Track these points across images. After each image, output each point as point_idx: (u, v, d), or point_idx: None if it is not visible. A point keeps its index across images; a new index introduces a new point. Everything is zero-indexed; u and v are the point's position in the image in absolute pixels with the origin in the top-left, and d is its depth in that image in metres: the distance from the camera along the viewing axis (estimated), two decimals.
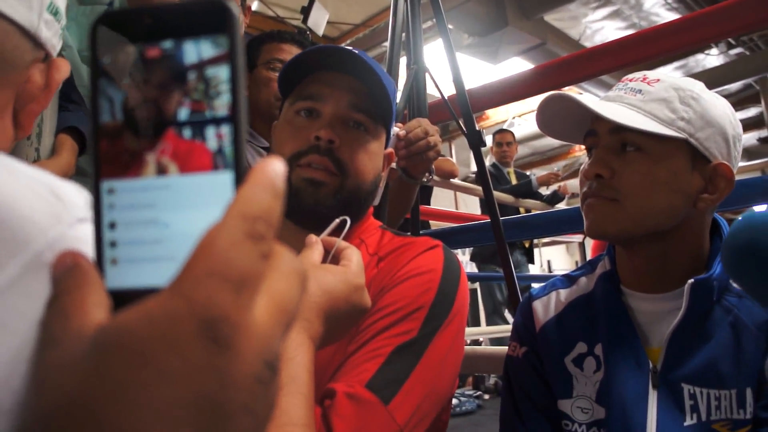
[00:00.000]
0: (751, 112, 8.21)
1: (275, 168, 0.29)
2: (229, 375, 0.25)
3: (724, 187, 0.90)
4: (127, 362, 0.24)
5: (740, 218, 0.68)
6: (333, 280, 0.69)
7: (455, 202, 7.93)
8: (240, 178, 0.30)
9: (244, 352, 0.25)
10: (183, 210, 0.30)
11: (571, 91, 6.95)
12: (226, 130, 0.30)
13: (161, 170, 0.30)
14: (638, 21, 5.71)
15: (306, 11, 3.19)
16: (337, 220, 0.82)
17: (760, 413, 0.80)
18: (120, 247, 0.31)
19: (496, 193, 3.80)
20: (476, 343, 4.92)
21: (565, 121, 0.99)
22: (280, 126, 1.00)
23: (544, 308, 1.03)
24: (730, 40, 5.98)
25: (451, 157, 7.60)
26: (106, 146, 0.31)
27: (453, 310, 0.86)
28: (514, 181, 5.03)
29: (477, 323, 6.54)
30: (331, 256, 0.74)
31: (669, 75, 0.95)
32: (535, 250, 5.24)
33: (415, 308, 0.82)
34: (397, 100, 1.73)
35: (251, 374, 0.25)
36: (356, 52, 0.95)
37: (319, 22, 3.23)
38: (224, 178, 0.30)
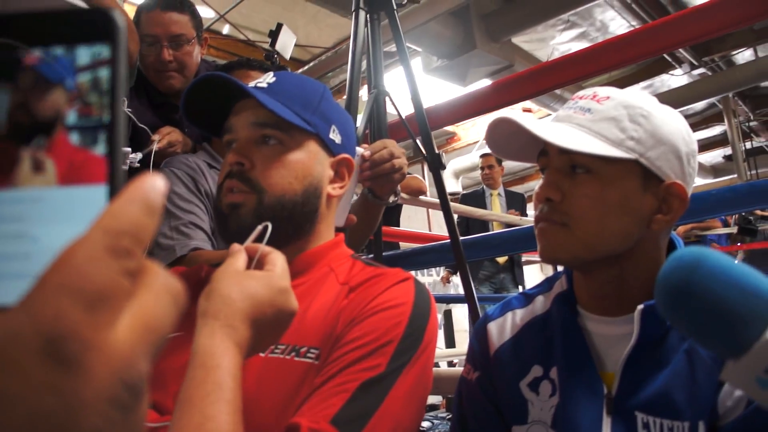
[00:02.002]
0: (716, 130, 8.38)
1: (152, 183, 0.28)
2: (76, 396, 0.23)
3: (677, 207, 0.87)
4: None
5: (669, 260, 0.67)
6: (256, 285, 0.69)
7: (428, 222, 7.95)
8: (114, 192, 0.29)
9: (96, 372, 0.24)
10: (54, 224, 0.29)
11: (529, 106, 7.03)
12: (104, 140, 0.29)
13: (33, 181, 0.29)
14: None
15: (274, 35, 3.19)
16: (260, 227, 0.80)
17: None
18: None
19: (464, 208, 3.81)
20: (451, 365, 4.90)
21: (518, 141, 0.95)
22: None
23: (499, 331, 1.01)
24: (692, 60, 6.11)
25: (423, 178, 7.63)
26: None
27: (422, 345, 0.85)
28: (497, 204, 5.10)
29: (452, 344, 6.51)
30: (255, 262, 0.74)
31: (621, 92, 0.91)
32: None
33: (384, 342, 0.82)
34: (358, 123, 1.74)
35: (105, 396, 0.24)
36: (232, 80, 0.95)
37: (286, 45, 3.23)
38: (100, 192, 0.29)
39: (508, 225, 4.59)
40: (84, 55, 0.29)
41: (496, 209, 5.12)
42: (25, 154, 0.29)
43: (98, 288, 0.24)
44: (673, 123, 0.88)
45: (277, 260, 0.73)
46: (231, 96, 0.99)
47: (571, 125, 0.88)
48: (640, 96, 0.91)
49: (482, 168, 5.28)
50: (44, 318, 0.23)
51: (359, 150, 1.30)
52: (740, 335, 0.60)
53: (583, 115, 0.88)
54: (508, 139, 0.97)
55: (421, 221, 7.85)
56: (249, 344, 0.67)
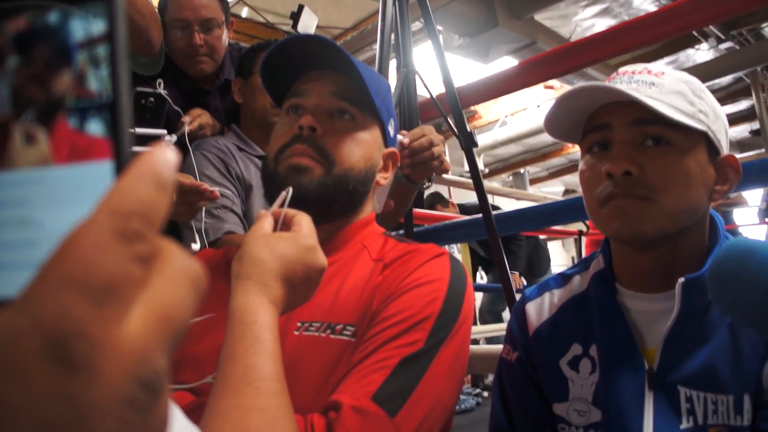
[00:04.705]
0: (742, 105, 8.23)
1: (162, 156, 0.25)
2: (87, 401, 0.21)
3: (733, 177, 0.90)
4: None
5: (722, 249, 0.68)
6: (284, 245, 0.71)
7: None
8: (121, 168, 0.26)
9: (108, 373, 0.21)
10: (59, 207, 0.26)
11: (551, 83, 6.96)
12: (107, 114, 0.27)
13: (34, 161, 0.27)
14: (628, 18, 5.72)
15: (295, 17, 3.18)
16: (284, 193, 0.82)
17: (763, 425, 0.78)
18: None
19: (489, 185, 3.82)
20: (474, 342, 4.92)
21: (567, 119, 0.94)
22: (273, 129, 1.01)
23: (538, 311, 1.01)
24: (719, 34, 5.99)
25: (445, 156, 7.59)
26: None
27: (459, 320, 0.85)
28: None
29: (474, 322, 6.54)
30: (281, 224, 0.77)
31: (670, 68, 0.92)
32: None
33: (422, 318, 0.82)
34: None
35: (119, 398, 0.21)
36: (334, 43, 0.96)
37: (308, 27, 3.23)
38: (106, 169, 0.26)
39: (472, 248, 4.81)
40: (79, 20, 0.27)
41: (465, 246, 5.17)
42: (17, 128, 0.27)
43: (106, 278, 0.22)
44: (716, 101, 0.91)
45: (303, 221, 0.76)
46: (302, 64, 1.00)
47: (643, 96, 0.86)
48: (687, 74, 0.92)
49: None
50: (47, 316, 0.21)
51: (398, 137, 1.30)
52: None
53: (650, 88, 0.86)
54: (566, 117, 0.94)
55: None
56: (283, 301, 0.70)
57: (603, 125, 0.89)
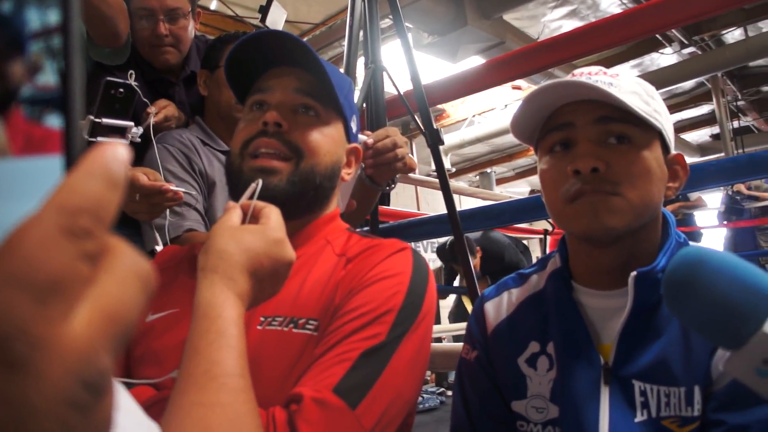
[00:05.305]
0: (704, 109, 8.41)
1: (113, 152, 0.24)
2: (26, 402, 0.20)
3: (682, 175, 0.93)
4: None
5: (675, 257, 0.70)
6: (251, 238, 0.70)
7: (417, 201, 7.95)
8: (71, 164, 0.26)
9: (49, 373, 0.21)
10: (5, 200, 0.25)
11: (518, 83, 7.03)
12: (57, 106, 0.26)
13: None
14: (595, 20, 5.80)
15: (264, 10, 3.15)
16: (253, 185, 0.82)
17: (711, 416, 0.80)
18: None
19: (456, 185, 3.84)
20: (438, 340, 4.95)
21: (533, 118, 0.95)
22: (237, 126, 1.01)
23: (496, 310, 1.02)
24: (682, 39, 6.11)
25: (412, 154, 7.61)
26: None
27: (421, 314, 0.86)
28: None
29: (438, 321, 6.61)
30: (250, 217, 0.76)
31: (623, 70, 0.95)
32: None
33: (384, 311, 0.82)
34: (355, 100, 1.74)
35: (60, 399, 0.21)
36: (299, 39, 0.96)
37: (277, 21, 3.20)
38: (55, 165, 0.26)
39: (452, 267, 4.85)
40: (36, 16, 0.26)
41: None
42: None
43: (51, 276, 0.21)
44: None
45: (271, 213, 0.75)
46: (266, 60, 1.00)
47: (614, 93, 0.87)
48: (635, 77, 0.94)
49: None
50: None
51: (362, 137, 1.30)
52: (740, 328, 0.63)
53: (609, 88, 0.87)
54: (534, 116, 0.94)
55: (409, 198, 7.86)
56: (249, 295, 0.69)
57: (566, 124, 0.90)
